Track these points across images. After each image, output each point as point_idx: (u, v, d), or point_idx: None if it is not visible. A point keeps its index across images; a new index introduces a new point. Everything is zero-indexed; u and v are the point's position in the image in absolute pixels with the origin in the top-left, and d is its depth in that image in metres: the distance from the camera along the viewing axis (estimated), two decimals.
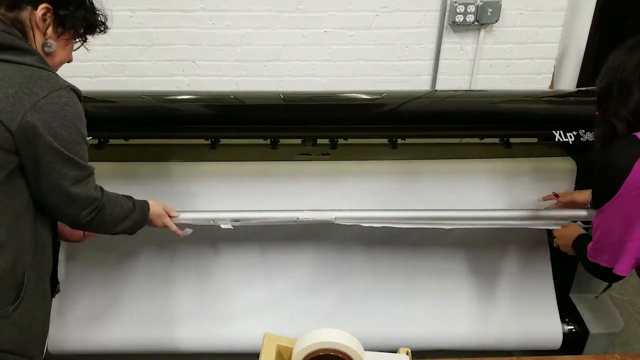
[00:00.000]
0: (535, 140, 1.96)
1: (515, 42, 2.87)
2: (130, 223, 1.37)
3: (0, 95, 1.03)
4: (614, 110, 1.20)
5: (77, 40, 1.28)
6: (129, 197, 1.42)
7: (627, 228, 1.17)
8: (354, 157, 1.89)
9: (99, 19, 1.30)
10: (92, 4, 1.28)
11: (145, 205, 1.46)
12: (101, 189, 1.28)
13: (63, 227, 1.46)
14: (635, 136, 1.14)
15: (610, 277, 1.27)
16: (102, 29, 1.32)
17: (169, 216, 1.58)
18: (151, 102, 1.96)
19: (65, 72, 1.21)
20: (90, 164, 1.23)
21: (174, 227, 1.58)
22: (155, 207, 1.50)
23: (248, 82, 2.91)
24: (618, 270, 1.22)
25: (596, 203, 1.24)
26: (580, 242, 1.43)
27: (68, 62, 1.28)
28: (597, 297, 1.83)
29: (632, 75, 1.16)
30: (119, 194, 1.38)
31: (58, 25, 1.19)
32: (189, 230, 1.65)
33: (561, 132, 1.82)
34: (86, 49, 1.32)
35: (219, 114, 1.93)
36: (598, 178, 1.24)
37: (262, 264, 1.99)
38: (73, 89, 1.16)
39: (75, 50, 1.30)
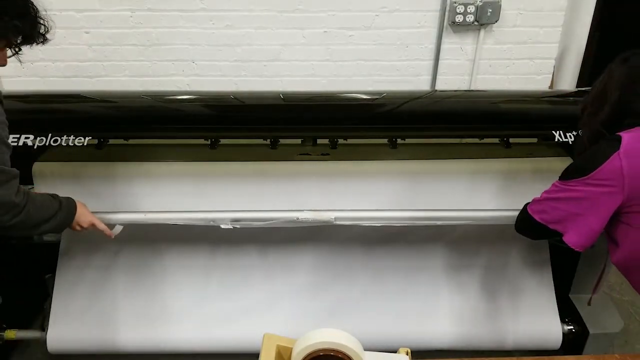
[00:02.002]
0: (535, 140, 1.96)
1: (515, 42, 2.87)
2: (55, 223, 1.37)
3: None
4: (587, 121, 1.30)
5: (11, 49, 1.26)
6: (55, 197, 1.41)
7: (585, 206, 1.23)
8: (354, 157, 1.89)
9: (39, 29, 1.27)
10: (35, 13, 1.26)
11: (72, 204, 1.45)
12: (25, 192, 1.27)
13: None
14: (619, 135, 1.18)
15: (531, 231, 1.42)
16: (40, 40, 1.29)
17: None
18: (151, 102, 1.96)
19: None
20: (11, 168, 1.22)
21: (103, 227, 1.55)
22: (81, 208, 1.49)
23: (248, 82, 2.91)
24: (568, 239, 1.28)
25: (564, 174, 1.29)
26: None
27: (1, 65, 1.26)
28: (589, 304, 1.84)
29: (609, 90, 1.24)
30: (45, 194, 1.37)
31: None
32: (119, 228, 1.63)
33: (561, 132, 1.82)
34: (19, 60, 1.29)
35: (219, 114, 1.93)
36: (576, 160, 1.31)
37: (261, 264, 1.99)
38: None
39: (9, 57, 1.28)
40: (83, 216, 1.49)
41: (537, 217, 1.35)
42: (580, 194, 1.23)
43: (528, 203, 1.43)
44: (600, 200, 1.20)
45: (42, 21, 1.27)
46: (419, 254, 2.00)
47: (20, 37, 1.24)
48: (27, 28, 1.24)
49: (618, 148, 1.15)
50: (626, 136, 1.17)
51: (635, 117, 1.20)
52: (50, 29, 1.30)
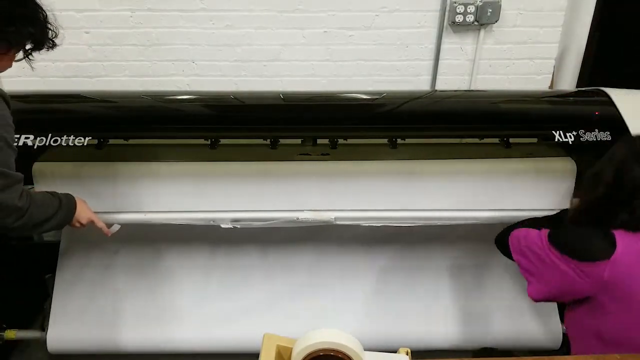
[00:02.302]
0: (535, 140, 1.96)
1: (515, 42, 2.87)
2: (56, 222, 1.38)
3: None
4: (584, 193, 1.34)
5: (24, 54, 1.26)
6: (55, 195, 1.41)
7: (557, 279, 1.25)
8: (354, 157, 1.89)
9: (49, 35, 1.28)
10: (45, 19, 1.26)
11: (72, 202, 1.46)
12: (27, 195, 1.27)
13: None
14: (615, 240, 1.19)
15: (505, 255, 1.48)
16: (50, 45, 1.30)
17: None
18: (151, 102, 1.96)
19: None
20: (16, 172, 1.23)
21: (101, 224, 1.56)
22: (81, 204, 1.50)
23: (248, 82, 2.91)
24: (529, 290, 1.34)
25: (557, 240, 1.27)
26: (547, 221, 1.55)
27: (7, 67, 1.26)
28: None
29: (606, 168, 1.25)
30: (46, 193, 1.38)
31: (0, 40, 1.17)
32: (116, 227, 1.63)
33: (561, 132, 1.82)
34: (30, 66, 1.30)
35: (219, 114, 1.93)
36: (572, 237, 1.28)
37: (261, 264, 1.99)
38: None
39: (17, 61, 1.28)
40: (83, 212, 1.50)
41: (514, 255, 1.39)
42: (558, 267, 1.25)
43: (515, 227, 1.48)
44: (572, 286, 1.23)
45: (50, 26, 1.27)
46: (419, 254, 2.00)
47: (31, 43, 1.25)
48: (38, 34, 1.24)
49: (609, 257, 1.17)
50: (622, 244, 1.18)
51: (629, 214, 1.20)
52: (59, 33, 1.31)
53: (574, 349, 1.38)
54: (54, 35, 1.29)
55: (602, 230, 1.23)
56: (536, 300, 1.34)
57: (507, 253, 1.45)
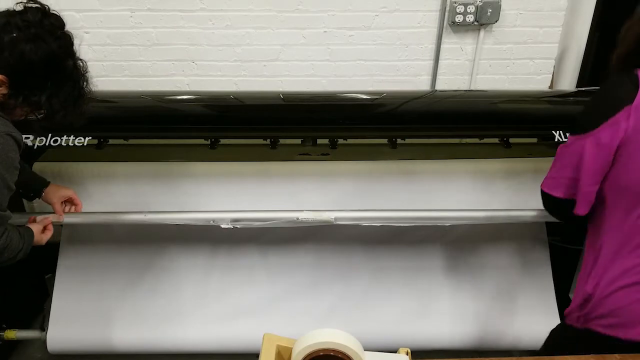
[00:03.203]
0: (535, 140, 1.96)
1: (515, 42, 2.87)
2: (16, 260, 1.35)
3: None
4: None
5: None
6: (22, 235, 1.37)
7: (579, 170, 1.13)
8: (354, 157, 1.89)
9: (75, 111, 1.26)
10: (75, 95, 1.25)
11: (30, 236, 1.42)
12: (7, 237, 1.25)
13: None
14: (637, 79, 1.07)
15: (560, 212, 1.26)
16: (69, 125, 1.27)
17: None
18: (151, 102, 1.96)
19: None
20: (5, 213, 1.22)
21: (51, 230, 1.53)
22: (37, 233, 1.45)
23: (248, 82, 2.91)
24: (578, 210, 1.17)
25: (574, 128, 1.16)
26: None
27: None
28: None
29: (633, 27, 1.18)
30: (17, 233, 1.34)
31: (9, 98, 1.17)
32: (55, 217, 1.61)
33: (561, 132, 1.82)
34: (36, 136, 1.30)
35: (219, 114, 1.93)
36: (588, 105, 1.19)
37: (262, 264, 1.99)
38: (10, 135, 1.16)
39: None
40: (40, 242, 1.47)
41: (554, 194, 1.21)
42: (576, 143, 1.13)
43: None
44: (592, 155, 1.10)
45: (78, 108, 1.27)
46: (419, 254, 2.00)
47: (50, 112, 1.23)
48: (56, 106, 1.22)
49: (631, 101, 1.03)
50: None
51: None
52: (84, 115, 1.30)
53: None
54: (74, 116, 1.28)
55: (626, 74, 1.10)
56: (550, 197, 1.21)
57: (553, 207, 1.26)
